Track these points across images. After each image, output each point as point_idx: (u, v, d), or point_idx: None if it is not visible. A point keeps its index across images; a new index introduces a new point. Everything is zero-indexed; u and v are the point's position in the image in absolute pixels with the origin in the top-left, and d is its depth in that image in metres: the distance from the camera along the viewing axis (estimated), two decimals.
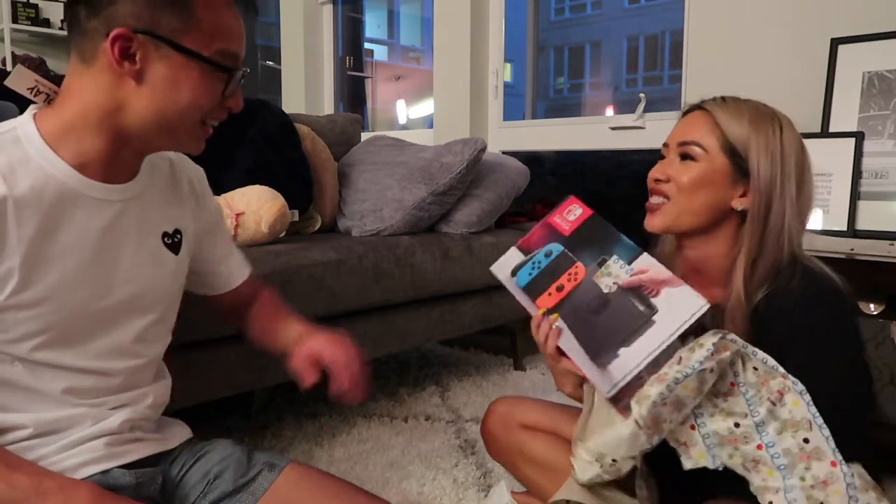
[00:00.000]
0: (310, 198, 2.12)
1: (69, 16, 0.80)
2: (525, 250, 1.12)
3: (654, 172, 1.03)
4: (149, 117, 0.81)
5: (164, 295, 0.95)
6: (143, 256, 0.91)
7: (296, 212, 1.96)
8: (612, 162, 3.34)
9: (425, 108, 4.21)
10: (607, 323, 0.97)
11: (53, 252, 0.80)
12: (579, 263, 1.05)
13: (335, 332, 1.05)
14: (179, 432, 1.00)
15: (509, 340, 2.38)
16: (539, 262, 1.09)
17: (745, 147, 0.96)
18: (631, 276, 0.99)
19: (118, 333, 0.89)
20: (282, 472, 0.94)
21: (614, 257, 1.02)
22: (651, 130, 2.49)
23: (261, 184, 1.81)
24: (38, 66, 3.67)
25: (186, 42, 0.79)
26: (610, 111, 3.36)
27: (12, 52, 3.70)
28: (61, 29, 3.86)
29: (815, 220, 1.81)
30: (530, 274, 1.08)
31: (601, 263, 1.03)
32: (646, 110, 2.52)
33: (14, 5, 3.74)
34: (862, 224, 1.76)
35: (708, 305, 0.89)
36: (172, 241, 0.96)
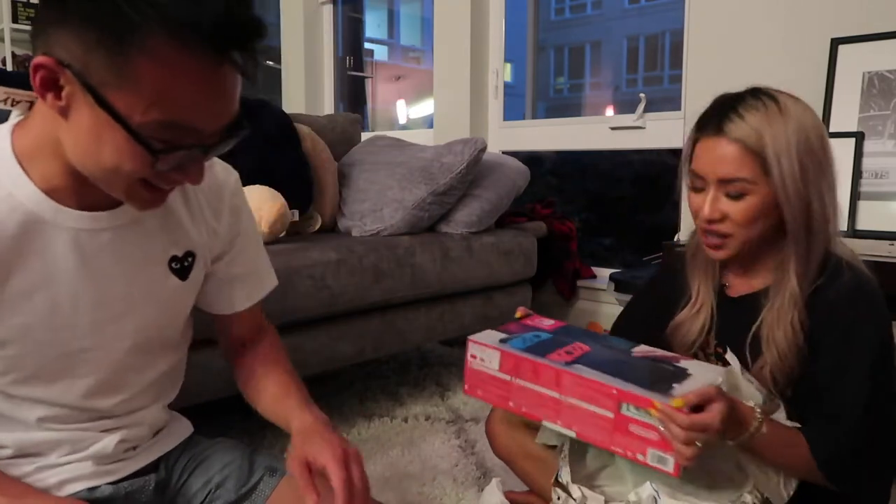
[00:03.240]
0: (310, 198, 2.12)
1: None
2: (505, 331, 1.05)
3: (707, 212, 0.99)
4: (78, 161, 0.69)
5: (166, 325, 0.87)
6: (142, 288, 0.82)
7: (296, 212, 1.96)
8: (612, 162, 3.34)
9: (425, 108, 4.21)
10: (640, 374, 0.92)
11: (18, 290, 0.71)
12: (577, 343, 1.01)
13: (338, 437, 0.83)
14: (178, 430, 0.96)
15: None
16: (530, 339, 1.02)
17: (776, 159, 0.94)
18: (639, 353, 1.00)
19: (109, 371, 0.81)
20: (283, 477, 0.92)
21: (615, 341, 1.04)
22: (651, 130, 2.49)
23: (260, 184, 1.81)
24: None
25: (116, 99, 0.63)
26: (610, 111, 3.36)
27: (12, 52, 3.69)
28: None
29: None
30: (525, 342, 1.01)
31: (605, 345, 1.01)
32: (646, 110, 2.52)
33: (14, 5, 3.73)
34: (862, 224, 1.76)
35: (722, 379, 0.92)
36: (181, 266, 0.85)
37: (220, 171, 0.90)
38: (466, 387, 1.03)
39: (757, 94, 0.99)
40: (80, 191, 0.73)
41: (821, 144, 0.97)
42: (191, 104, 0.65)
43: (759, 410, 0.92)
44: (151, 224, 0.81)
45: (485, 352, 1.00)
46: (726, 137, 0.96)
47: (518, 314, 1.13)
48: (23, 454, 0.80)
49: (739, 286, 1.09)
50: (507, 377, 0.98)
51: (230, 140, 0.70)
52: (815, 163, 0.96)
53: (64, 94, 0.64)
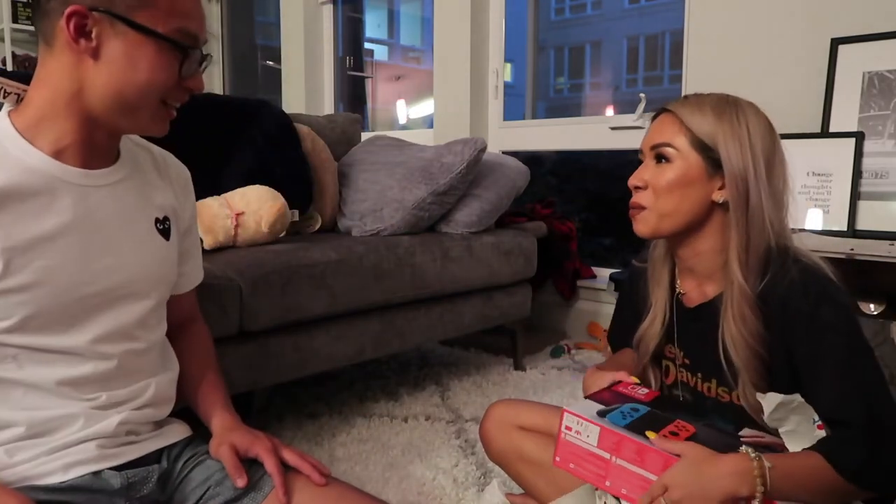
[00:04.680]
0: (310, 198, 2.12)
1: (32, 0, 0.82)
2: (601, 401, 1.01)
3: (632, 179, 1.04)
4: (108, 96, 0.82)
5: (158, 280, 0.96)
6: (135, 241, 0.92)
7: (296, 212, 1.96)
8: (612, 162, 3.34)
9: (425, 108, 4.21)
10: None
11: (38, 239, 0.81)
12: (679, 420, 0.97)
13: (261, 432, 0.97)
14: (179, 430, 0.99)
15: (509, 340, 2.38)
16: (628, 412, 0.98)
17: (712, 139, 0.98)
18: (747, 437, 0.96)
19: (118, 316, 0.89)
20: (285, 475, 0.92)
21: (719, 423, 0.99)
22: None
23: (261, 184, 1.81)
24: None
25: (141, 19, 0.80)
26: (610, 111, 3.36)
27: (12, 52, 3.70)
28: None
29: (815, 220, 1.81)
30: (624, 417, 0.96)
31: (708, 425, 0.97)
32: (646, 110, 2.52)
33: (14, 5, 3.74)
34: (862, 224, 1.76)
35: None
36: (164, 227, 0.97)
37: (181, 164, 1.04)
38: (557, 459, 0.98)
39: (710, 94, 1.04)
40: (84, 150, 0.85)
41: (772, 140, 0.99)
42: (191, 11, 0.84)
43: (749, 450, 0.88)
44: (138, 183, 0.94)
45: (581, 425, 0.95)
46: (666, 112, 1.03)
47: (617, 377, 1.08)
48: (34, 434, 0.83)
49: (694, 295, 1.07)
50: (607, 455, 0.93)
51: (209, 57, 0.88)
52: (764, 154, 0.97)
53: (94, 34, 0.79)
